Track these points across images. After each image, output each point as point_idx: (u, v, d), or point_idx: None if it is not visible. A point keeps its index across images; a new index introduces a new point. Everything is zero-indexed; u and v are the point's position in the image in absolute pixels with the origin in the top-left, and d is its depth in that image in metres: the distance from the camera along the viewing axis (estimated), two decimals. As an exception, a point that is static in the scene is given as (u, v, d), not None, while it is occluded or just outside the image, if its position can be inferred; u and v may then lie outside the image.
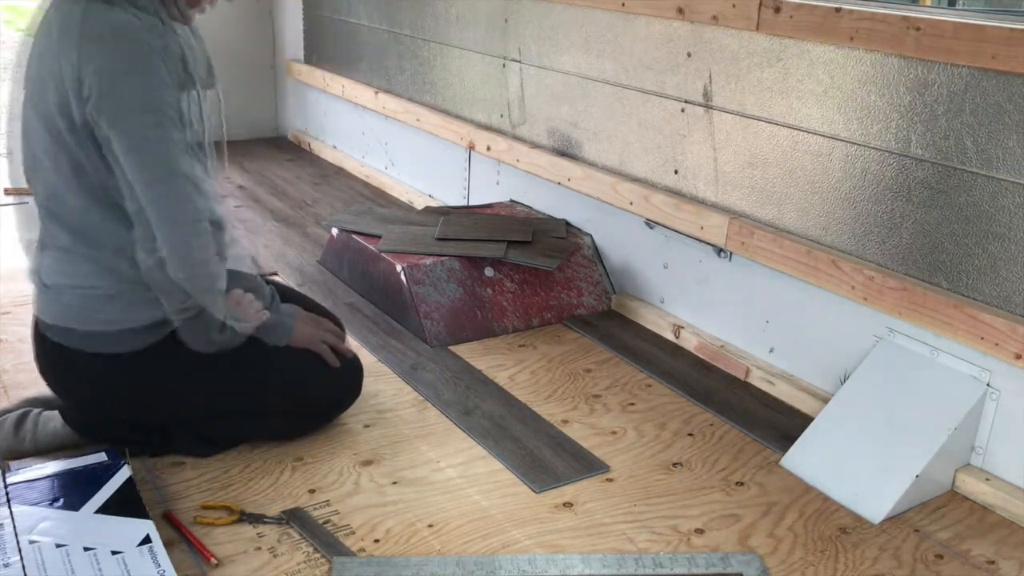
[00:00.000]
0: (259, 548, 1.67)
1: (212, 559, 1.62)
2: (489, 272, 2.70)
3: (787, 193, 2.32)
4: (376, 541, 1.71)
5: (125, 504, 1.69)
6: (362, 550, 1.68)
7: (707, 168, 2.52)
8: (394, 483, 1.90)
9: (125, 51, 1.65)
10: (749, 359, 2.47)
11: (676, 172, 2.62)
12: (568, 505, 1.87)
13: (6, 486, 1.71)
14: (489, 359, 2.49)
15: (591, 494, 1.91)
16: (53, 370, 1.88)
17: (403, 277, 2.61)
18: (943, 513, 1.92)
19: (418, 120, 3.66)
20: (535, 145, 3.12)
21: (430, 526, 1.77)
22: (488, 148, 3.27)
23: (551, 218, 3.06)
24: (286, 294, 2.26)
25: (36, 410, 1.93)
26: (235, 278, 1.87)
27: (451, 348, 2.54)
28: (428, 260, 2.65)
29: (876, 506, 1.89)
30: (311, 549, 1.67)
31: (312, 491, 1.85)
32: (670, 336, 2.67)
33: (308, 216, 3.62)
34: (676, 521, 1.84)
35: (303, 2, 4.48)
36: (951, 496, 1.99)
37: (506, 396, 2.29)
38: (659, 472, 2.01)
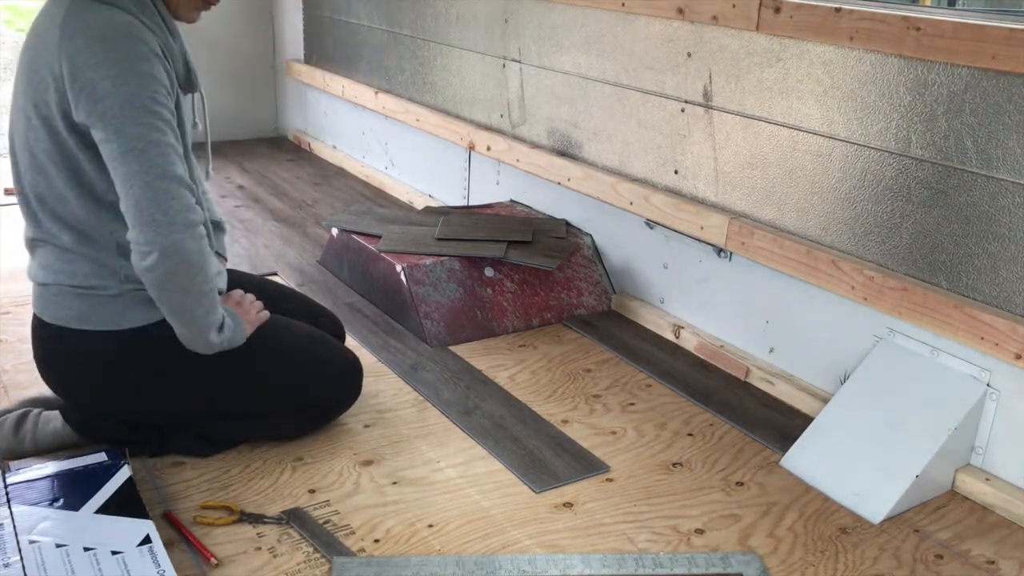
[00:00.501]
0: (259, 548, 1.67)
1: (212, 559, 1.62)
2: (489, 272, 2.70)
3: (787, 193, 2.32)
4: (376, 541, 1.71)
5: (125, 504, 1.69)
6: (362, 550, 1.68)
7: (707, 168, 2.52)
8: (394, 483, 1.90)
9: (121, 52, 1.64)
10: (749, 359, 2.47)
11: (676, 172, 2.62)
12: (568, 505, 1.87)
13: (6, 486, 1.71)
14: (489, 359, 2.49)
15: (591, 494, 1.91)
16: (53, 370, 1.88)
17: (403, 277, 2.61)
18: (943, 513, 1.92)
19: (418, 120, 3.66)
20: (535, 145, 3.12)
21: (430, 526, 1.77)
22: (488, 148, 3.28)
23: (551, 218, 3.07)
24: (287, 294, 2.26)
25: (36, 410, 1.93)
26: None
27: (451, 348, 2.54)
28: (428, 260, 2.65)
29: (876, 506, 1.89)
30: (311, 549, 1.67)
31: (312, 491, 1.85)
32: (670, 336, 2.67)
33: (308, 216, 3.62)
34: (676, 521, 1.84)
35: (303, 2, 4.48)
36: (951, 496, 1.99)
37: (506, 396, 2.29)
38: (659, 472, 2.01)
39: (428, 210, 3.19)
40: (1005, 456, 1.96)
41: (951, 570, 1.75)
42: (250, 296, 1.96)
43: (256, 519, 1.74)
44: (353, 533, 1.73)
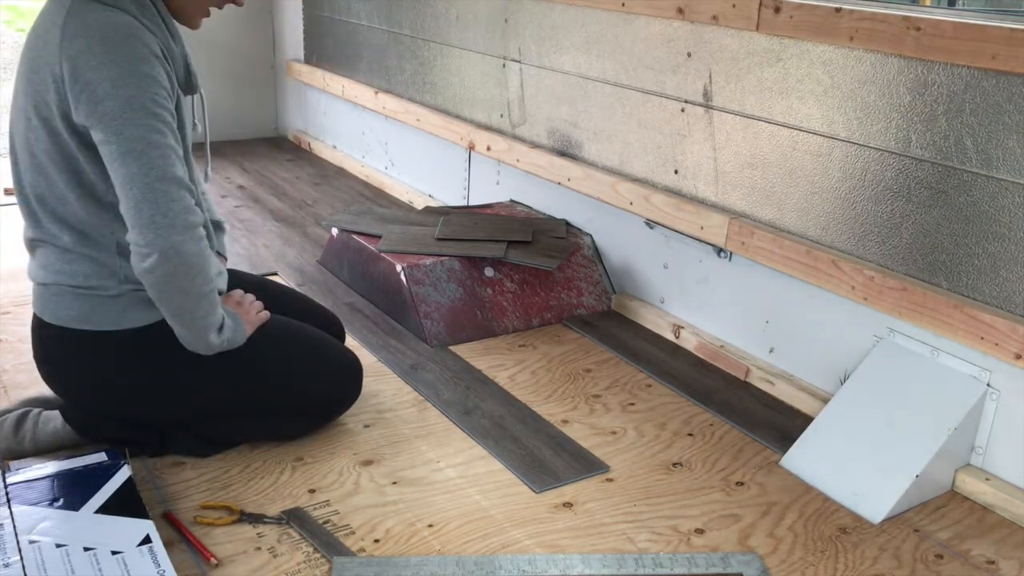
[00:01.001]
0: (259, 548, 1.67)
1: (212, 559, 1.62)
2: (489, 272, 2.70)
3: (787, 193, 2.32)
4: (376, 541, 1.71)
5: (125, 504, 1.69)
6: (362, 550, 1.68)
7: (707, 168, 2.52)
8: (394, 483, 1.90)
9: (122, 53, 1.64)
10: (749, 359, 2.47)
11: (676, 172, 2.62)
12: (568, 505, 1.87)
13: (6, 486, 1.71)
14: (489, 359, 2.49)
15: (591, 494, 1.91)
16: (53, 370, 1.88)
17: (403, 277, 2.61)
18: (943, 513, 1.92)
19: (418, 120, 3.66)
20: (535, 145, 3.12)
21: (430, 526, 1.77)
22: (488, 148, 3.28)
23: (551, 218, 3.07)
24: (287, 294, 2.26)
25: (36, 410, 1.93)
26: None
27: (451, 348, 2.54)
28: (428, 260, 2.65)
29: (876, 506, 1.89)
30: (311, 549, 1.67)
31: (312, 491, 1.85)
32: (670, 336, 2.67)
33: (308, 216, 3.62)
34: (676, 521, 1.84)
35: (303, 2, 4.48)
36: (951, 496, 1.99)
37: (506, 396, 2.29)
38: (659, 472, 2.01)
39: (428, 210, 3.19)
40: (1005, 456, 1.96)
41: (951, 570, 1.75)
42: (250, 296, 1.96)
43: (256, 519, 1.74)
44: (353, 533, 1.73)
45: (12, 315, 2.55)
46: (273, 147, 4.69)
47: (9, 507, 1.64)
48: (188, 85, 1.84)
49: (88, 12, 1.65)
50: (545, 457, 2.03)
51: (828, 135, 2.20)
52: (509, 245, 2.75)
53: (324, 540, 1.69)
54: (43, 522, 1.62)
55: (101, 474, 1.77)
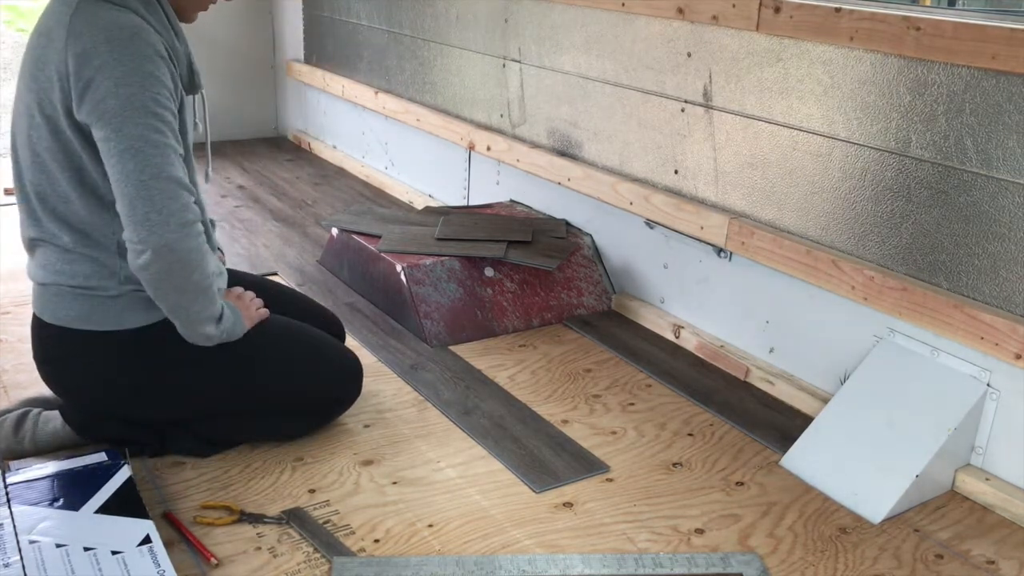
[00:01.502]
0: (259, 548, 1.67)
1: (212, 559, 1.62)
2: (489, 272, 2.70)
3: (787, 193, 2.32)
4: (376, 541, 1.71)
5: (125, 504, 1.69)
6: (362, 550, 1.68)
7: (707, 168, 2.52)
8: (394, 483, 1.90)
9: (126, 52, 1.64)
10: (749, 359, 2.47)
11: (676, 172, 2.62)
12: (568, 505, 1.87)
13: (6, 486, 1.71)
14: (489, 359, 2.49)
15: (591, 494, 1.91)
16: (53, 369, 1.88)
17: (403, 277, 2.61)
18: (943, 513, 1.92)
19: (418, 120, 3.66)
20: (535, 145, 3.12)
21: (430, 526, 1.77)
22: (488, 148, 3.28)
23: (551, 218, 3.07)
24: (287, 294, 2.26)
25: (36, 410, 1.93)
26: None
27: (451, 348, 2.54)
28: (428, 260, 2.65)
29: (876, 506, 1.89)
30: (311, 549, 1.67)
31: (312, 491, 1.85)
32: (670, 336, 2.67)
33: (308, 216, 3.62)
34: (676, 521, 1.84)
35: (303, 2, 4.48)
36: (951, 496, 1.99)
37: (506, 396, 2.29)
38: (659, 472, 2.01)
39: (428, 210, 3.19)
40: (1005, 456, 1.96)
41: (951, 570, 1.75)
42: (250, 293, 1.96)
43: (256, 519, 1.74)
44: (353, 533, 1.73)
45: (12, 315, 2.55)
46: (273, 147, 4.69)
47: (9, 507, 1.64)
48: (191, 84, 1.84)
49: (94, 11, 1.66)
50: (545, 457, 2.03)
51: (828, 135, 2.20)
52: (509, 245, 2.75)
53: (324, 540, 1.69)
54: (43, 522, 1.62)
55: (101, 474, 1.77)
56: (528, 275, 2.74)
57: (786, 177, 2.32)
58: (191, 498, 1.80)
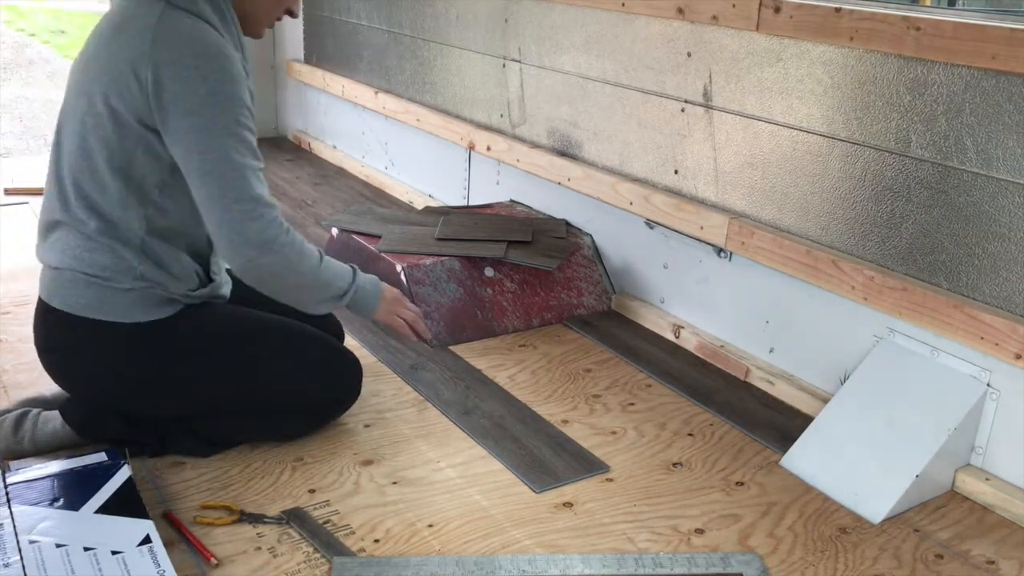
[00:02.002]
0: (259, 548, 1.67)
1: (212, 559, 1.62)
2: (489, 272, 2.70)
3: (787, 193, 2.32)
4: (376, 541, 1.71)
5: (125, 504, 1.69)
6: (362, 550, 1.68)
7: (707, 168, 2.52)
8: (394, 483, 1.90)
9: (214, 72, 1.68)
10: (749, 359, 2.47)
11: (676, 172, 2.62)
12: (568, 505, 1.87)
13: (6, 486, 1.71)
14: (489, 359, 2.49)
15: (591, 494, 1.91)
16: (57, 357, 1.88)
17: (403, 277, 2.61)
18: (943, 513, 1.93)
19: (418, 120, 3.66)
20: (535, 145, 3.12)
21: (430, 526, 1.77)
22: (488, 148, 3.28)
23: (551, 218, 3.07)
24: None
25: (35, 410, 1.93)
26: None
27: (451, 348, 2.54)
28: (428, 260, 2.66)
29: (876, 506, 1.90)
30: (311, 549, 1.67)
31: (312, 491, 1.85)
32: (670, 336, 2.67)
33: (308, 216, 3.62)
34: (676, 521, 1.84)
35: (303, 2, 4.48)
36: (951, 496, 1.99)
37: (506, 396, 2.29)
38: (659, 472, 2.01)
39: (428, 210, 3.19)
40: (1005, 456, 1.96)
41: (951, 570, 1.75)
42: (415, 307, 2.09)
43: (256, 519, 1.74)
44: (353, 533, 1.73)
45: (12, 315, 2.55)
46: (273, 147, 4.69)
47: (9, 507, 1.64)
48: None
49: (180, 21, 1.70)
50: (545, 457, 2.03)
51: (828, 135, 2.20)
52: (509, 245, 2.75)
53: (324, 540, 1.69)
54: (43, 522, 1.62)
55: (101, 474, 1.77)
56: (528, 275, 2.74)
57: (786, 177, 2.32)
58: (191, 498, 1.80)
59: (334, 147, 4.45)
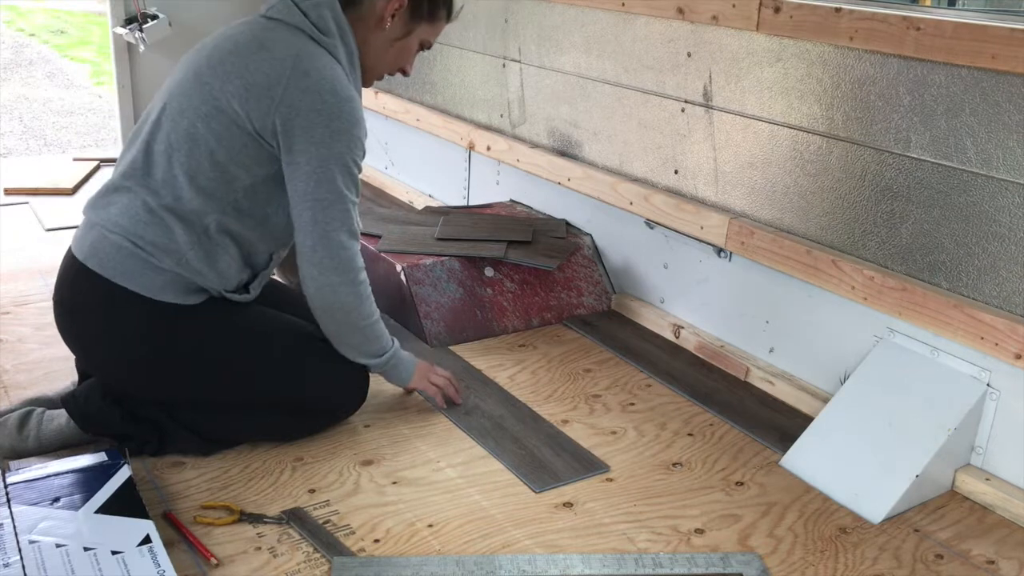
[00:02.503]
0: (259, 548, 1.67)
1: (212, 559, 1.62)
2: (489, 272, 2.70)
3: (787, 193, 2.32)
4: (376, 541, 1.71)
5: (125, 504, 1.69)
6: (362, 550, 1.68)
7: (707, 168, 2.52)
8: (394, 483, 1.90)
9: (346, 113, 1.81)
10: (749, 359, 2.47)
11: (676, 172, 2.62)
12: (568, 505, 1.87)
13: (6, 486, 1.71)
14: (489, 359, 2.49)
15: (591, 494, 1.91)
16: (76, 320, 1.89)
17: (403, 277, 2.61)
18: (943, 513, 1.93)
19: (418, 120, 3.66)
20: (535, 145, 3.12)
21: (430, 526, 1.77)
22: (488, 148, 3.28)
23: (551, 218, 3.07)
24: (290, 295, 2.27)
25: (39, 409, 1.93)
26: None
27: (451, 348, 2.54)
28: (428, 260, 2.66)
29: (876, 506, 1.90)
30: (311, 549, 1.67)
31: (312, 491, 1.85)
32: (670, 336, 2.67)
33: (308, 216, 3.61)
34: (676, 521, 1.84)
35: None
36: (951, 496, 1.99)
37: (506, 396, 2.29)
38: (659, 472, 2.01)
39: (428, 210, 3.19)
40: (1005, 456, 1.96)
41: (951, 570, 1.75)
42: (447, 372, 2.20)
43: (256, 519, 1.74)
44: (353, 533, 1.73)
45: (12, 315, 2.55)
46: (273, 147, 4.68)
47: (9, 507, 1.65)
48: None
49: (320, 59, 1.83)
50: (545, 457, 2.03)
51: (828, 135, 2.20)
52: (509, 245, 2.75)
53: (324, 540, 1.69)
54: (43, 522, 1.62)
55: (101, 474, 1.77)
56: (528, 275, 2.75)
57: (786, 177, 2.32)
58: (191, 498, 1.80)
59: (334, 147, 4.45)
